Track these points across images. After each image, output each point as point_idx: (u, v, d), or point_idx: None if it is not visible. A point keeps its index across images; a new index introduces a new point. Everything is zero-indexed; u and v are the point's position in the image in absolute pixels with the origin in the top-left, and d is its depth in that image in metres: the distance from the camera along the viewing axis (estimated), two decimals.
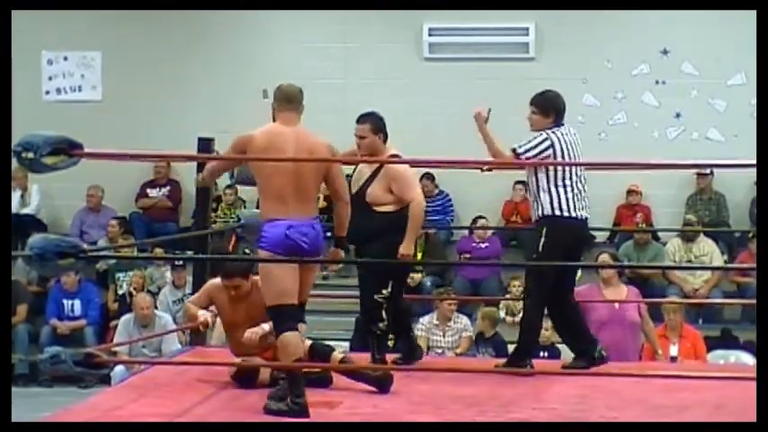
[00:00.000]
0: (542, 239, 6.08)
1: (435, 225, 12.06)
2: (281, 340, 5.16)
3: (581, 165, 6.28)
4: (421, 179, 12.18)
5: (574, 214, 6.12)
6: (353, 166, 6.38)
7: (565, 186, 6.11)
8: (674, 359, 8.47)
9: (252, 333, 5.73)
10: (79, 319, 11.47)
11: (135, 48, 12.69)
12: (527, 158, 6.12)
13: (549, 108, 6.31)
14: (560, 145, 6.17)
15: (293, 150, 5.26)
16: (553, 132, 6.20)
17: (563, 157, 6.12)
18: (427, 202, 12.24)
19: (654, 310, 9.01)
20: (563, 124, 6.29)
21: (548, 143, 6.15)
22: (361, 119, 6.17)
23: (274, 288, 5.20)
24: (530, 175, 6.23)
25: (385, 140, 6.11)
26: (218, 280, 6.01)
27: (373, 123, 6.09)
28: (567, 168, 6.09)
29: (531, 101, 6.36)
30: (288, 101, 5.39)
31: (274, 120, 5.43)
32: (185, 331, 7.93)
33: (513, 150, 6.15)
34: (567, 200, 6.10)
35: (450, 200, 12.39)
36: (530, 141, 6.19)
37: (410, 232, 6.01)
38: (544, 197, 6.10)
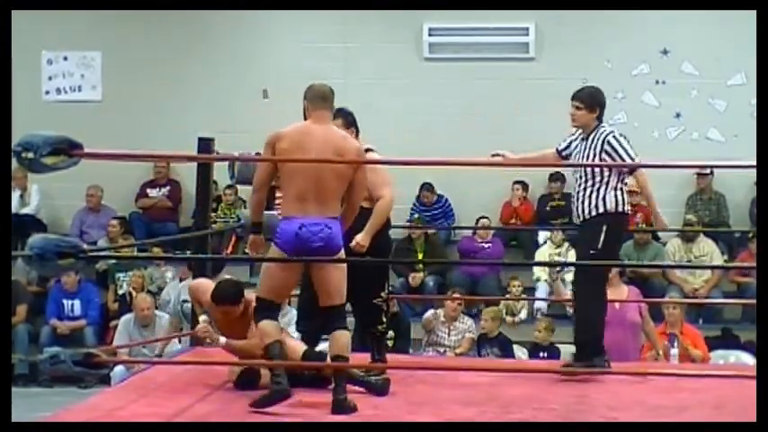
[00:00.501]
0: (603, 235, 6.06)
1: (435, 225, 12.06)
2: (259, 327, 5.32)
3: (580, 166, 6.28)
4: (420, 190, 12.20)
5: (628, 209, 6.23)
6: None
7: (625, 183, 6.19)
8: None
9: (209, 335, 5.71)
10: (79, 319, 11.47)
11: (135, 48, 12.69)
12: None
13: (594, 103, 6.28)
14: None
15: (318, 151, 5.26)
16: (610, 128, 6.27)
17: None
18: (426, 210, 12.32)
19: (654, 310, 9.02)
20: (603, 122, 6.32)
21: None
22: (334, 114, 5.96)
23: (268, 282, 5.35)
24: (590, 172, 6.17)
25: (357, 135, 6.03)
26: (200, 281, 6.00)
27: (344, 119, 6.00)
28: None
29: (575, 96, 6.30)
30: (322, 99, 5.41)
31: (306, 118, 5.44)
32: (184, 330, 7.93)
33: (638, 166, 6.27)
34: (625, 196, 6.18)
35: (449, 203, 12.37)
36: (625, 147, 6.18)
37: (369, 226, 5.82)
38: (610, 194, 6.11)
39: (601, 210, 6.12)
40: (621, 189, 6.16)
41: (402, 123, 11.99)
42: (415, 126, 12.05)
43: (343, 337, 5.32)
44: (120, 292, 11.64)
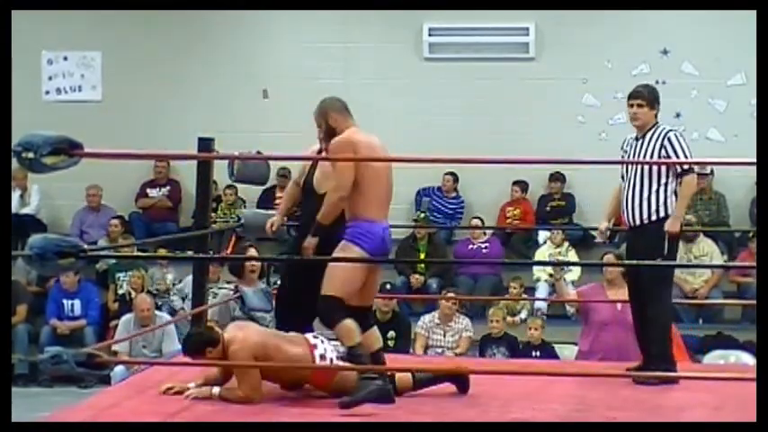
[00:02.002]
0: (667, 241, 5.98)
1: (436, 225, 12.07)
2: (340, 327, 5.28)
3: (579, 163, 6.28)
4: (444, 175, 12.22)
5: None
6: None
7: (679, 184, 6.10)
8: None
9: (198, 393, 5.45)
10: (79, 319, 11.47)
11: (135, 48, 12.69)
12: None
13: (655, 100, 6.20)
14: None
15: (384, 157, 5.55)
16: (668, 126, 6.18)
17: None
18: (444, 202, 12.33)
19: None
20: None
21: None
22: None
23: (350, 286, 5.34)
24: (653, 176, 6.06)
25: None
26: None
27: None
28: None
29: (634, 95, 6.18)
30: (347, 108, 5.59)
31: (337, 132, 5.48)
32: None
33: (691, 170, 6.08)
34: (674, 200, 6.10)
35: (462, 206, 12.36)
36: (683, 147, 6.07)
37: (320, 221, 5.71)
38: (671, 197, 6.03)
39: (662, 214, 6.01)
40: (675, 192, 6.06)
41: (402, 123, 11.99)
42: (415, 126, 12.05)
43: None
44: (120, 292, 11.65)
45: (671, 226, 5.99)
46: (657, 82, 12.03)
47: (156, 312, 9.96)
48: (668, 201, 6.04)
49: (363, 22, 12.38)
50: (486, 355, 9.27)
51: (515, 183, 12.13)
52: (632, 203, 6.10)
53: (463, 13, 11.91)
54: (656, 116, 6.20)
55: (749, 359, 9.25)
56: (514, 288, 10.94)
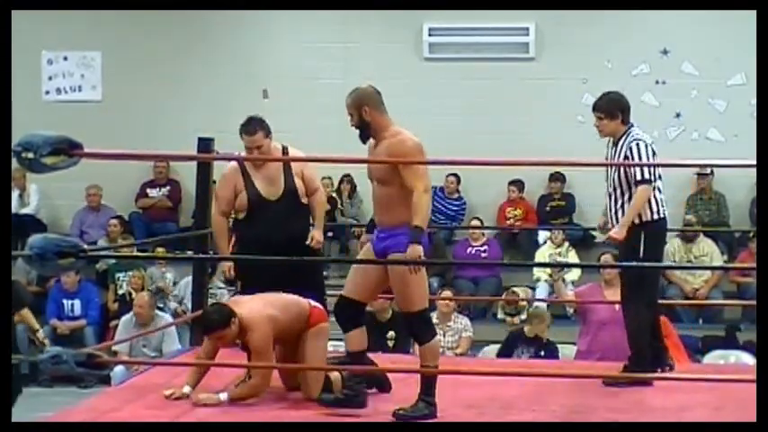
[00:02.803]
0: (642, 245, 5.97)
1: (437, 225, 12.06)
2: (431, 346, 5.17)
3: (582, 165, 6.27)
4: (447, 176, 12.22)
5: (665, 213, 6.13)
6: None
7: (659, 189, 6.09)
8: None
9: (207, 398, 5.39)
10: (79, 319, 11.47)
11: (135, 48, 12.69)
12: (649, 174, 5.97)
13: (614, 110, 6.18)
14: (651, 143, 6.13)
15: None
16: (637, 133, 6.12)
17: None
18: (446, 203, 12.33)
19: None
20: (632, 123, 6.21)
21: (651, 148, 6.08)
22: (249, 129, 5.99)
23: (421, 291, 5.13)
24: (618, 180, 6.05)
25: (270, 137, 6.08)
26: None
27: (262, 128, 6.01)
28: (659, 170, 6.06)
29: (594, 107, 6.24)
30: (383, 102, 5.46)
31: (381, 126, 5.46)
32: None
33: (644, 181, 5.97)
34: (660, 201, 6.09)
35: (464, 208, 12.36)
36: (641, 155, 6.00)
37: (321, 221, 6.10)
38: (651, 200, 6.02)
39: (636, 220, 6.00)
40: (655, 196, 6.04)
41: (402, 123, 11.92)
42: (415, 126, 11.94)
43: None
44: (120, 292, 11.65)
45: (616, 233, 5.99)
46: (657, 82, 12.11)
47: (157, 312, 9.96)
48: (649, 205, 6.02)
49: (363, 22, 12.38)
50: (515, 355, 9.13)
51: (512, 183, 12.12)
52: (611, 209, 6.14)
53: (463, 13, 11.91)
54: (623, 123, 6.15)
55: (749, 359, 9.25)
56: (519, 290, 10.98)
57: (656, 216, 6.06)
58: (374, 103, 5.37)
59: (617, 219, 6.09)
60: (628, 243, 6.02)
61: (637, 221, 6.02)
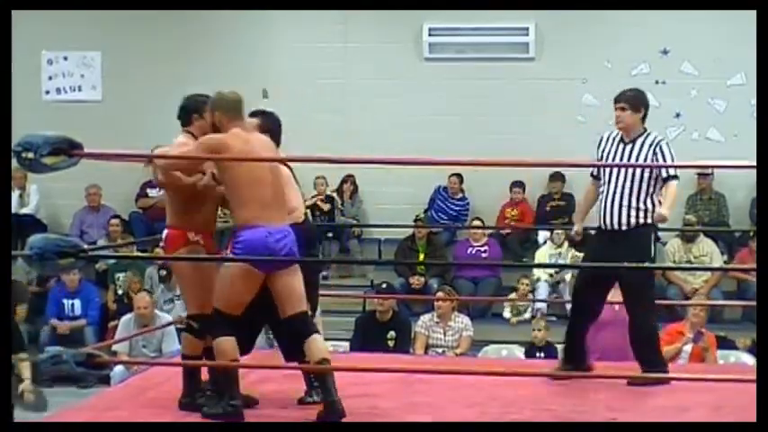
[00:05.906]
0: (653, 246, 6.02)
1: (437, 225, 12.06)
2: (217, 345, 5.11)
3: (580, 166, 6.26)
4: (450, 176, 12.22)
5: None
6: None
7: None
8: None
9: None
10: (79, 318, 11.47)
11: (135, 48, 12.68)
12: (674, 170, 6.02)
13: (639, 104, 6.15)
14: None
15: (266, 156, 5.36)
16: (657, 134, 6.13)
17: None
18: (449, 203, 12.32)
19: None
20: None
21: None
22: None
23: (227, 294, 5.13)
24: (643, 183, 6.04)
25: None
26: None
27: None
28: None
29: (617, 98, 6.18)
30: (238, 110, 5.63)
31: (220, 130, 5.49)
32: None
33: (675, 177, 6.03)
34: (657, 204, 6.07)
35: (468, 208, 12.35)
36: (666, 156, 6.02)
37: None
38: (650, 203, 6.02)
39: (649, 219, 6.00)
40: (657, 197, 6.06)
41: (402, 123, 11.99)
42: (415, 126, 12.04)
43: (321, 340, 5.20)
44: (120, 292, 11.64)
45: (660, 217, 5.97)
46: (657, 82, 12.10)
47: (157, 312, 9.96)
48: (655, 206, 6.03)
49: (363, 21, 12.38)
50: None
51: (514, 184, 12.11)
52: (618, 208, 6.05)
53: (463, 13, 11.91)
54: (642, 120, 6.14)
55: (749, 359, 9.25)
56: (524, 285, 10.97)
57: (649, 220, 6.06)
58: (227, 109, 5.70)
59: (618, 217, 6.04)
60: (633, 245, 6.00)
61: (649, 221, 6.01)
